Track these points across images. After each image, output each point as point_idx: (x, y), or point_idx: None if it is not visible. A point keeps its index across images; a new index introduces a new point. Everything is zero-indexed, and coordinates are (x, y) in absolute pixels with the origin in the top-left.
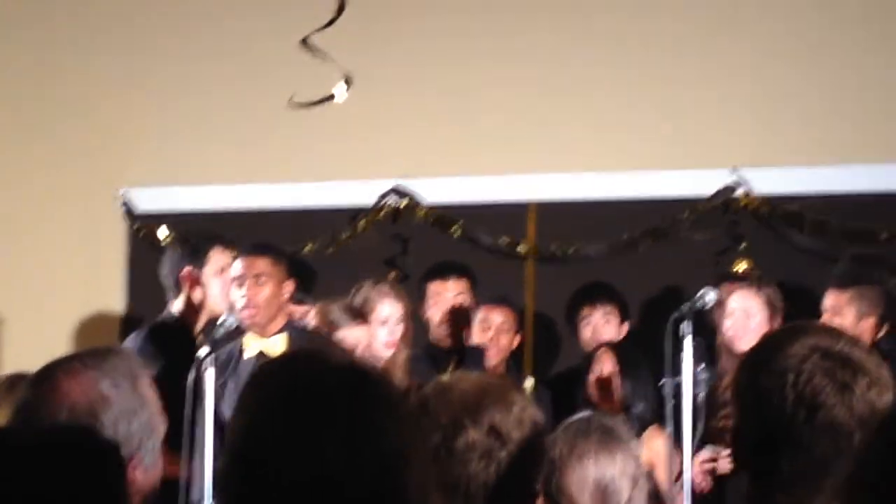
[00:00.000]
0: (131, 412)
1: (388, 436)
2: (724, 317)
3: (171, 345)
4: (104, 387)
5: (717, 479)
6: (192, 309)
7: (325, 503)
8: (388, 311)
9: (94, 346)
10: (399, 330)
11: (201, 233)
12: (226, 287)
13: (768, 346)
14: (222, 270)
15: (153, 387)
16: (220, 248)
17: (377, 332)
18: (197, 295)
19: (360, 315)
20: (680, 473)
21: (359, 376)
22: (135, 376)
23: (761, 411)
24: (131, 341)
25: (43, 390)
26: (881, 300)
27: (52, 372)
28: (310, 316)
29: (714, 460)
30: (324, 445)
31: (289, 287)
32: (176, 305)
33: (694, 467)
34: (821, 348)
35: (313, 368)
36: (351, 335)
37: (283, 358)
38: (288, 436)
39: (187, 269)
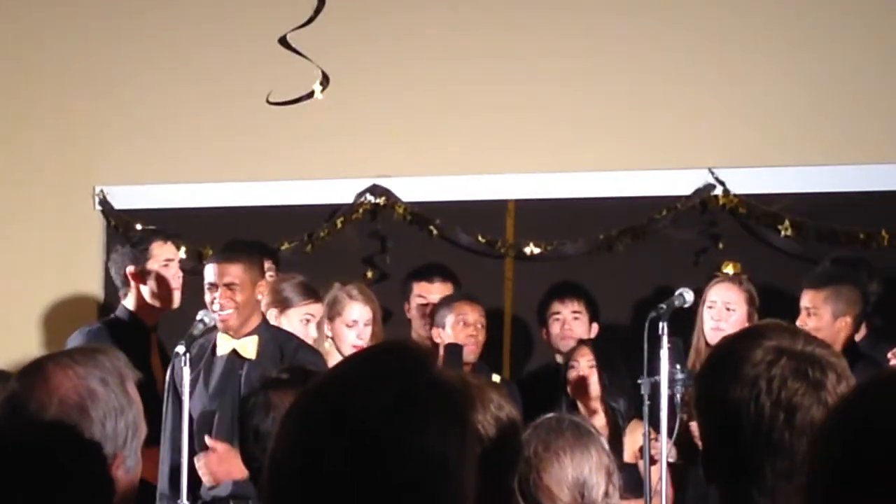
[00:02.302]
0: (119, 410)
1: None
2: (703, 309)
3: (127, 339)
4: (93, 382)
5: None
6: (144, 303)
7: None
8: (357, 314)
9: (83, 346)
10: (367, 332)
11: (141, 229)
12: (175, 278)
13: (729, 355)
14: (167, 263)
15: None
16: (160, 242)
17: (346, 334)
18: (145, 290)
19: (312, 292)
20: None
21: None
22: (122, 376)
23: (738, 423)
24: (78, 337)
25: (32, 382)
26: (858, 300)
27: (43, 365)
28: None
29: None
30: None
31: (262, 287)
32: (128, 301)
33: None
34: (785, 350)
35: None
36: (302, 312)
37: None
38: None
39: (132, 266)
